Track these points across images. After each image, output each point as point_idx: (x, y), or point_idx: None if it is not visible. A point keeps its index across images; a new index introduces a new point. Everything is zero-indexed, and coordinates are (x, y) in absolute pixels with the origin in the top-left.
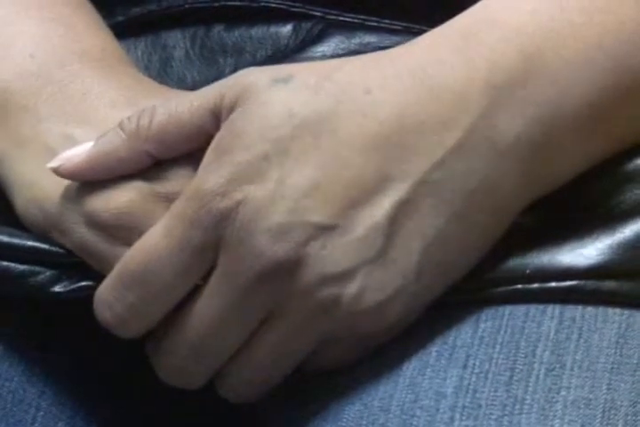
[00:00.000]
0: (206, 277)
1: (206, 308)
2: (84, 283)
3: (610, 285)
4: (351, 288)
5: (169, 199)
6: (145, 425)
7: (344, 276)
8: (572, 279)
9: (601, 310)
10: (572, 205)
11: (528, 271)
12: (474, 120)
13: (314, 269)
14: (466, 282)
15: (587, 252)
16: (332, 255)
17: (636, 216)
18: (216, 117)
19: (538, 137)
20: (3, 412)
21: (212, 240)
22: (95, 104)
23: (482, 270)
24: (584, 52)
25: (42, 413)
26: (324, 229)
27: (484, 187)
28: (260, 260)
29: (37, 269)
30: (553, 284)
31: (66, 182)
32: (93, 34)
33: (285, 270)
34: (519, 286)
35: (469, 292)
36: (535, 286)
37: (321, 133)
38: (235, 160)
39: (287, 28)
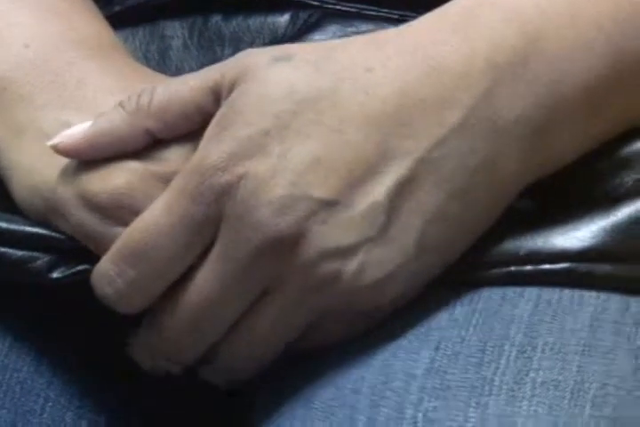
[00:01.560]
0: (207, 252)
1: (206, 280)
2: (81, 267)
3: (604, 267)
4: (351, 265)
5: (166, 179)
6: (152, 415)
7: (345, 252)
8: (565, 262)
9: (577, 292)
10: (567, 189)
11: (522, 254)
12: (475, 99)
13: (314, 244)
14: (459, 264)
15: (580, 234)
16: (332, 231)
17: (631, 200)
18: (216, 96)
19: (537, 117)
20: (12, 402)
21: (214, 215)
22: (92, 92)
23: (475, 253)
24: (584, 33)
25: (50, 403)
26: (326, 205)
27: (485, 165)
28: (260, 233)
29: (35, 254)
30: (547, 266)
31: (63, 166)
32: (88, 23)
33: (286, 244)
34: (512, 268)
35: (462, 274)
36: (528, 268)
37: (322, 110)
38: (236, 135)
39: (284, 18)
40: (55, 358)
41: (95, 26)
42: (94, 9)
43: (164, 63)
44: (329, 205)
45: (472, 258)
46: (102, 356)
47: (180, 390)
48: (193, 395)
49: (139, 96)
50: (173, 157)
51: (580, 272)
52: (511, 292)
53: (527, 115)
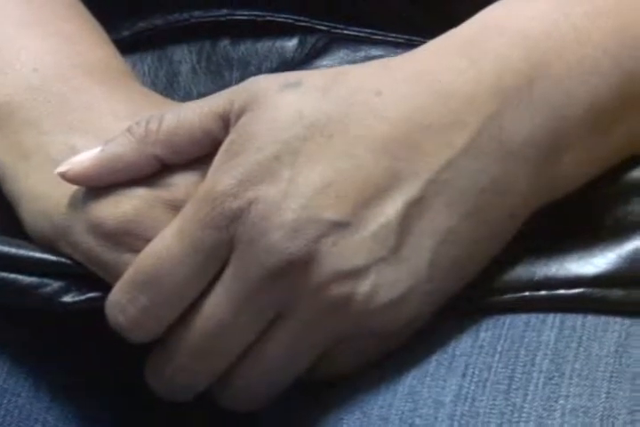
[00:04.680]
0: (218, 278)
1: (217, 305)
2: (92, 294)
3: (617, 293)
4: (363, 286)
5: (175, 206)
6: None
7: (356, 273)
8: (579, 287)
9: (602, 319)
10: (580, 215)
11: (536, 279)
12: (482, 121)
13: (325, 267)
14: (474, 289)
15: (595, 260)
16: (343, 253)
17: None
18: (225, 122)
19: (544, 138)
20: None
21: (225, 240)
22: (99, 116)
23: (490, 278)
24: (589, 56)
25: None
26: (337, 227)
27: (494, 187)
28: (271, 256)
29: (45, 280)
30: (561, 291)
31: (72, 193)
32: (97, 48)
33: (297, 267)
34: (527, 293)
35: (477, 299)
36: (543, 293)
37: (332, 134)
38: (245, 161)
39: (293, 42)
40: (54, 382)
41: (103, 50)
42: (102, 33)
43: (172, 88)
44: (340, 226)
45: (487, 283)
46: (101, 381)
47: (181, 414)
48: (195, 420)
49: (147, 122)
50: (182, 183)
51: (595, 297)
52: (534, 318)
53: (534, 136)
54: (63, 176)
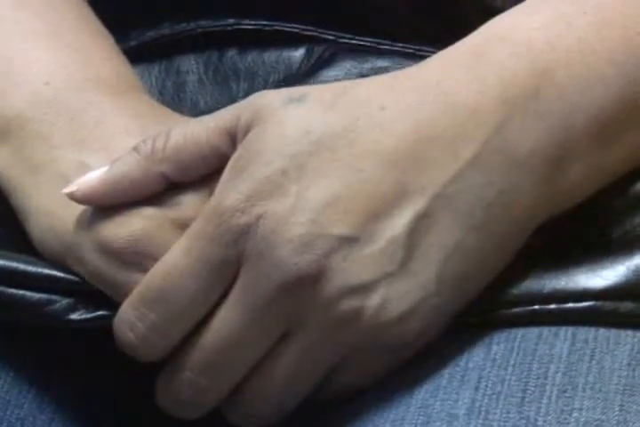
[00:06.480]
0: (227, 295)
1: (226, 321)
2: (100, 312)
3: (628, 305)
4: (373, 300)
5: (182, 225)
6: None
7: (365, 288)
8: (589, 300)
9: (613, 332)
10: (589, 228)
11: (545, 292)
12: (488, 134)
13: (335, 282)
14: (483, 302)
15: (605, 273)
16: (353, 267)
17: None
18: (232, 138)
19: (550, 149)
20: None
21: (233, 256)
22: (110, 131)
23: (499, 291)
24: (594, 66)
25: None
26: (346, 241)
27: (501, 199)
28: (281, 272)
29: (53, 297)
30: (570, 304)
31: (80, 211)
32: (108, 61)
33: (306, 283)
34: (536, 306)
35: (487, 312)
36: (552, 306)
37: (338, 148)
38: (253, 177)
39: (299, 52)
40: (57, 394)
41: (115, 63)
42: (113, 44)
43: (179, 98)
44: (349, 241)
45: (496, 296)
46: (104, 393)
47: None
48: None
49: (153, 140)
50: (190, 202)
51: (605, 310)
52: (546, 331)
53: (540, 148)
54: (71, 196)
